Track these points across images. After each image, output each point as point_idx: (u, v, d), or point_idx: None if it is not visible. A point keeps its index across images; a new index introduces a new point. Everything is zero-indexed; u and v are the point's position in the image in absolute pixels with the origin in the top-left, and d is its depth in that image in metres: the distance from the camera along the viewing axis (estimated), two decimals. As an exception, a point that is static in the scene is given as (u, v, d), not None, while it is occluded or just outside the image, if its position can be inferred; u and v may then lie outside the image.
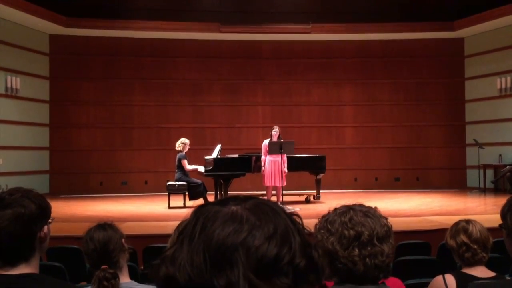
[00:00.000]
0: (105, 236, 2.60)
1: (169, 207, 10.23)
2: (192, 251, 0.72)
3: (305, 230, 0.79)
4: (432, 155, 14.73)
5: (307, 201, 11.08)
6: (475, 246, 2.81)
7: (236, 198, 0.79)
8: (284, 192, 10.11)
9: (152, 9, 13.81)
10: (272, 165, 10.07)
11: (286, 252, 0.72)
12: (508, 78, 13.42)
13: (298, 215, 0.81)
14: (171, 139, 12.78)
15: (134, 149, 14.30)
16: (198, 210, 0.78)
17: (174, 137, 11.92)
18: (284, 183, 10.08)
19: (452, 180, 14.52)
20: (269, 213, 0.76)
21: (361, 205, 1.72)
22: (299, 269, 0.73)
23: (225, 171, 10.24)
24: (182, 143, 10.53)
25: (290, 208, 9.09)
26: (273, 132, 10.22)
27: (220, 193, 10.61)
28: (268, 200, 0.80)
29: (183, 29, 13.76)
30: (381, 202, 10.31)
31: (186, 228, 0.76)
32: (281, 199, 9.89)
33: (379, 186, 14.34)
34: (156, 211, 9.99)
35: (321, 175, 11.18)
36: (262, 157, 10.25)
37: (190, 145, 10.76)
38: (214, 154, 10.58)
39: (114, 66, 14.30)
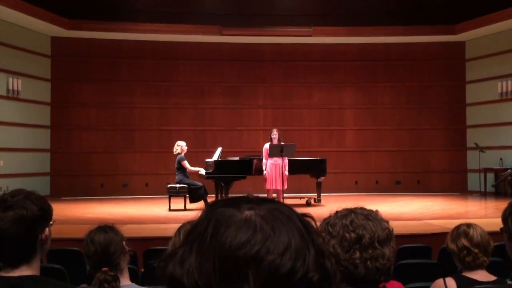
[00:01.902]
0: (105, 238, 2.59)
1: (170, 210, 10.23)
2: (202, 257, 0.70)
3: (320, 236, 0.75)
4: (433, 158, 14.72)
5: (308, 204, 11.08)
6: (476, 250, 2.80)
7: (249, 200, 0.75)
8: (284, 195, 10.11)
9: (153, 12, 13.83)
10: (273, 168, 10.10)
11: (300, 266, 0.69)
12: (509, 82, 13.42)
13: (312, 217, 0.78)
14: (172, 141, 12.75)
15: (135, 151, 14.31)
16: (210, 211, 0.75)
17: (175, 140, 11.90)
18: (285, 186, 10.10)
19: (453, 183, 14.50)
20: (284, 221, 0.72)
21: (362, 208, 1.72)
22: (311, 283, 0.70)
23: (226, 173, 10.24)
24: (178, 146, 10.52)
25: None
26: (272, 136, 10.26)
27: (221, 195, 10.61)
28: (283, 205, 0.76)
29: (185, 31, 13.78)
30: (382, 205, 10.30)
31: (196, 229, 0.73)
32: (281, 202, 9.88)
33: (380, 189, 14.33)
34: (157, 213, 9.99)
35: (321, 178, 11.17)
36: (264, 160, 10.26)
37: (191, 147, 10.76)
38: (215, 157, 10.59)
39: (116, 68, 14.32)
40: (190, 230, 0.75)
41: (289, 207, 0.77)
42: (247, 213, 0.73)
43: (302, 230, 0.73)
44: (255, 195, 0.79)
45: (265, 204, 0.75)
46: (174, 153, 10.57)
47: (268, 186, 10.14)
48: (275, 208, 0.75)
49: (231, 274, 0.68)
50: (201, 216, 0.76)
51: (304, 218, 0.76)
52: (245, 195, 0.79)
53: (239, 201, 0.76)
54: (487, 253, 2.84)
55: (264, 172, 10.21)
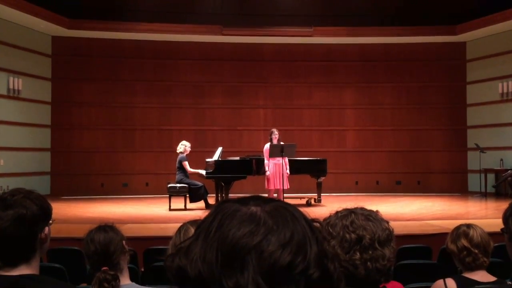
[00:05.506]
0: (106, 237, 2.59)
1: (170, 209, 10.23)
2: (206, 247, 0.72)
3: (325, 240, 0.77)
4: (433, 159, 14.71)
5: (308, 204, 11.07)
6: (476, 251, 2.80)
7: (257, 198, 0.78)
8: (285, 195, 10.10)
9: (154, 12, 13.83)
10: (275, 167, 10.10)
11: (300, 262, 0.71)
12: (510, 83, 13.41)
13: (319, 222, 0.79)
14: (172, 141, 12.80)
15: (136, 151, 14.31)
16: (218, 205, 0.78)
17: (176, 139, 11.94)
18: (287, 186, 10.09)
19: (453, 184, 14.49)
20: (288, 218, 0.74)
21: (362, 209, 1.72)
22: (311, 280, 0.71)
23: (226, 173, 10.24)
24: (182, 145, 10.58)
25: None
26: (272, 136, 10.25)
27: (221, 195, 10.61)
28: (290, 205, 0.78)
29: (185, 31, 13.78)
30: (382, 205, 10.30)
31: (204, 222, 0.76)
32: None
33: (380, 189, 14.32)
34: (157, 213, 9.99)
35: (322, 178, 11.17)
36: (265, 161, 10.25)
37: (191, 147, 10.78)
38: (215, 157, 10.59)
39: (116, 68, 14.32)
40: (199, 224, 0.77)
41: (296, 208, 0.78)
42: (253, 208, 0.75)
43: (306, 229, 0.75)
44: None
45: (272, 202, 0.78)
46: (177, 151, 10.60)
47: (270, 186, 10.14)
48: (281, 206, 0.77)
49: (232, 263, 0.70)
50: (210, 211, 0.78)
51: (310, 220, 0.77)
52: (254, 195, 0.81)
53: (247, 199, 0.78)
54: (487, 254, 2.83)
55: (267, 172, 10.20)
